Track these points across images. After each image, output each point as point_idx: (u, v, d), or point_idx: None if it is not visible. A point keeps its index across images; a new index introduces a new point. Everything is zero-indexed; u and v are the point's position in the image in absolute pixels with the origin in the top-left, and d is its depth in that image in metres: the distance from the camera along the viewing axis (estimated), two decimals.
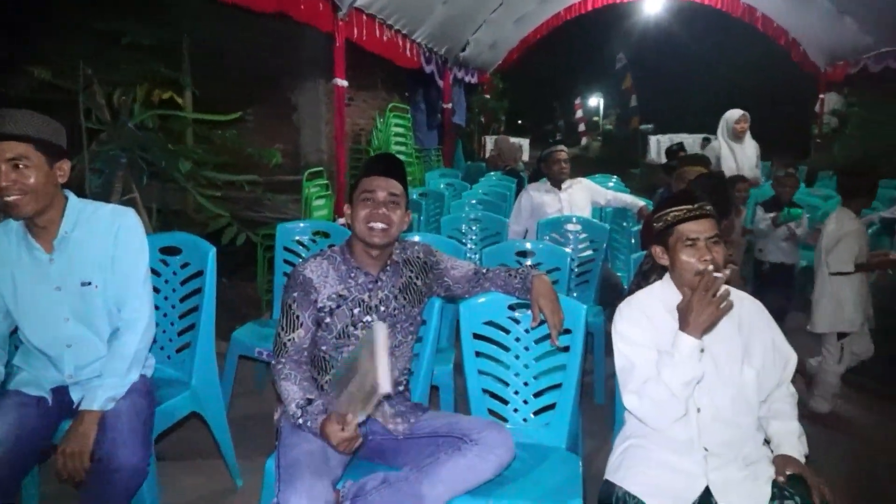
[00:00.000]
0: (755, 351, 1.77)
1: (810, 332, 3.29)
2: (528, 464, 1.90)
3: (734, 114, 5.12)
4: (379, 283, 1.96)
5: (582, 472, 1.91)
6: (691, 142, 12.05)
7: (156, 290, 2.27)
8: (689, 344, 1.63)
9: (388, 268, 1.99)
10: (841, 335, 3.20)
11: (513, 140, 9.50)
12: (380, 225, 1.88)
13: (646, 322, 1.79)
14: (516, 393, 2.12)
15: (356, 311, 1.92)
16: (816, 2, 8.28)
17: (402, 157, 7.35)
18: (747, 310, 1.84)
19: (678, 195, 1.90)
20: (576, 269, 3.66)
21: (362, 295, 1.94)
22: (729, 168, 4.92)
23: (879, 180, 6.44)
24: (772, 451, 1.75)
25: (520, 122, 26.92)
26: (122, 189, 3.78)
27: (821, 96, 10.27)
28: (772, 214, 4.10)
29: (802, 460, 1.69)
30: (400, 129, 7.50)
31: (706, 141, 12.16)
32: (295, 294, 1.91)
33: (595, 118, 27.85)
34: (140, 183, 3.87)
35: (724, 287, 1.66)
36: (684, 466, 1.68)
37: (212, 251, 2.28)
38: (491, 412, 2.13)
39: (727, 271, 2.72)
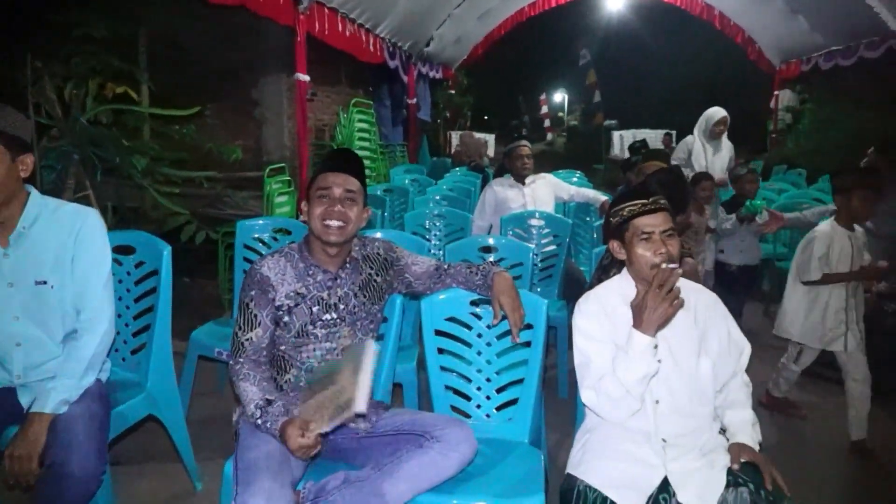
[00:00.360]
0: (711, 342, 1.81)
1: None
2: (490, 459, 1.90)
3: (716, 114, 4.91)
4: (338, 281, 1.93)
5: (546, 466, 1.92)
6: (653, 137, 12.29)
7: None
8: (642, 341, 1.65)
9: (347, 265, 1.96)
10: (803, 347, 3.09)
11: (478, 135, 9.54)
12: (336, 223, 1.85)
13: (604, 317, 1.81)
14: (479, 389, 2.12)
15: (315, 309, 1.89)
16: (771, 1, 8.48)
17: (365, 153, 7.33)
18: (703, 302, 1.87)
19: (633, 190, 1.92)
20: (539, 264, 3.68)
21: (321, 293, 1.91)
22: (700, 165, 4.84)
23: (824, 175, 6.68)
24: (727, 440, 1.78)
25: (486, 117, 27.00)
26: (74, 186, 3.65)
27: (775, 93, 10.54)
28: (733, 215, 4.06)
29: (756, 447, 1.73)
30: (363, 125, 7.43)
31: (668, 136, 12.43)
32: (252, 293, 1.87)
33: (560, 114, 28.11)
34: (94, 180, 3.75)
35: (677, 285, 1.67)
36: (643, 458, 1.70)
37: (167, 250, 2.22)
38: (454, 409, 2.12)
39: (688, 264, 2.78)
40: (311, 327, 1.89)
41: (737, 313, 3.95)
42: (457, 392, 2.14)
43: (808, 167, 8.04)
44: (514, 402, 2.09)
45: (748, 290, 4.26)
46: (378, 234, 2.89)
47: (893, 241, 3.34)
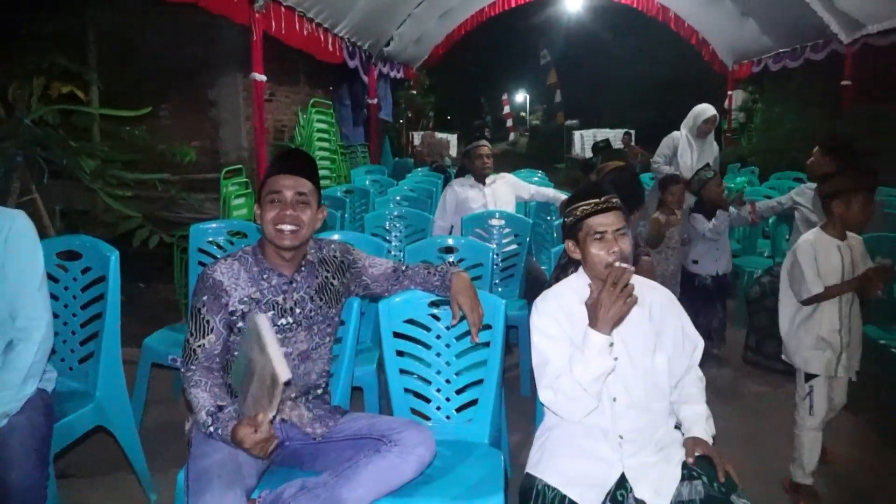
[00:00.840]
0: (666, 338, 1.83)
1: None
2: (450, 461, 1.89)
3: (705, 111, 4.66)
4: (294, 285, 1.90)
5: (507, 466, 1.92)
6: (613, 136, 12.47)
7: (54, 297, 2.12)
8: (598, 340, 1.66)
9: (302, 268, 1.93)
10: (809, 376, 2.56)
11: (440, 135, 9.54)
12: (288, 227, 1.81)
13: (561, 315, 1.82)
14: (438, 391, 2.11)
15: (270, 314, 1.85)
16: (722, 4, 8.72)
17: (325, 154, 7.26)
18: (658, 299, 1.89)
19: (586, 189, 1.92)
20: (500, 264, 3.70)
21: (276, 297, 1.87)
22: (685, 164, 4.68)
23: (775, 172, 6.91)
24: (682, 434, 1.81)
25: (449, 117, 27.07)
26: (20, 189, 3.52)
27: (729, 93, 10.84)
28: (715, 218, 3.79)
29: (710, 441, 1.76)
30: (323, 125, 7.35)
31: (627, 135, 12.65)
32: (204, 298, 1.82)
33: (522, 114, 28.35)
34: (40, 183, 3.62)
35: (631, 281, 1.68)
36: (601, 454, 1.72)
37: (114, 255, 2.14)
38: (413, 411, 2.10)
39: (643, 261, 2.82)
40: None
41: (718, 332, 3.88)
42: (417, 395, 2.13)
43: (760, 165, 8.28)
44: (473, 402, 2.08)
45: (724, 301, 3.98)
46: (336, 236, 2.85)
47: None
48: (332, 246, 2.05)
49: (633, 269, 1.71)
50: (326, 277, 1.97)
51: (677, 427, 1.85)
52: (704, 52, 10.58)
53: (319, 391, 1.98)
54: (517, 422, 2.70)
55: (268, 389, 1.50)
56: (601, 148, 5.35)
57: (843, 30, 7.16)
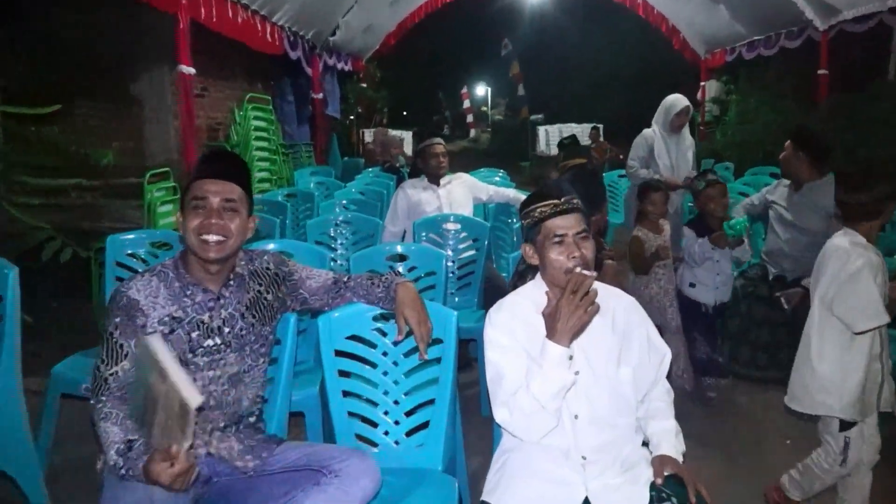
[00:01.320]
0: (631, 349, 1.85)
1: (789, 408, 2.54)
2: (399, 492, 1.87)
3: (677, 103, 4.53)
4: (221, 301, 1.86)
5: (463, 495, 1.91)
6: (580, 131, 12.68)
7: None
8: (556, 353, 1.66)
9: (231, 282, 1.89)
10: (846, 424, 2.36)
11: (393, 133, 9.53)
12: (214, 237, 1.77)
13: (517, 327, 1.82)
14: (386, 413, 2.09)
15: (195, 335, 1.81)
16: None
17: (263, 154, 7.17)
18: (622, 306, 1.91)
19: (544, 189, 1.93)
20: (456, 272, 3.70)
21: (201, 315, 1.82)
22: (664, 165, 4.57)
23: (751, 167, 7.11)
24: (650, 452, 1.83)
25: (404, 113, 27.10)
26: None
27: (702, 84, 11.11)
28: (701, 238, 3.45)
29: (680, 458, 1.78)
30: (261, 123, 7.26)
31: (595, 130, 12.87)
32: (117, 319, 1.76)
33: (483, 108, 28.57)
34: None
35: (593, 288, 1.69)
36: (563, 477, 1.72)
37: (12, 272, 2.06)
38: (359, 437, 2.08)
39: (608, 266, 2.85)
40: (190, 356, 1.81)
41: (721, 368, 3.60)
42: (364, 419, 2.10)
43: (734, 160, 8.50)
44: (425, 425, 2.07)
45: (718, 330, 3.75)
46: (271, 246, 2.81)
47: (811, 233, 3.55)
48: (265, 257, 2.02)
49: (594, 275, 1.73)
50: (259, 292, 1.94)
51: (645, 444, 1.87)
52: (675, 41, 10.82)
53: (252, 419, 1.93)
54: (477, 445, 2.69)
55: (178, 418, 1.45)
56: (566, 145, 5.40)
57: (818, 16, 7.40)
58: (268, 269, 1.99)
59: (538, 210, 1.83)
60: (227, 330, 1.85)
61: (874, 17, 6.58)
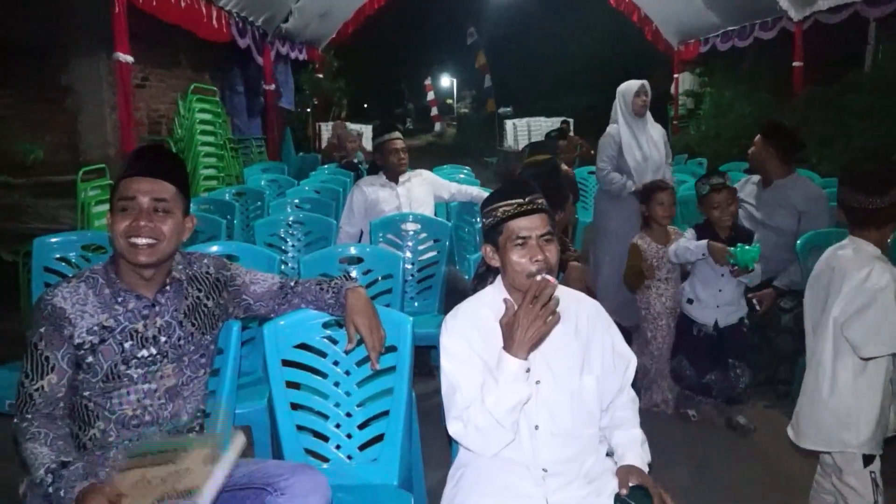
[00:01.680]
0: (595, 356, 1.86)
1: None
2: None
3: (632, 85, 4.46)
4: (156, 308, 1.83)
5: None
6: (549, 125, 12.79)
7: None
8: (513, 366, 1.66)
9: (167, 288, 1.86)
10: (869, 458, 2.21)
11: (352, 127, 9.48)
12: (144, 240, 1.74)
13: (474, 335, 1.82)
14: (338, 426, 2.08)
15: (127, 345, 1.78)
16: None
17: (209, 149, 7.08)
18: (585, 312, 1.93)
19: (508, 188, 1.93)
20: (416, 274, 3.71)
21: (135, 324, 1.80)
22: (634, 159, 4.45)
23: (726, 163, 7.26)
24: (615, 463, 1.85)
25: (365, 105, 27.00)
26: None
27: (676, 76, 11.31)
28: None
29: (645, 468, 1.81)
30: (207, 116, 7.17)
31: (565, 124, 12.99)
32: (42, 330, 1.73)
33: (448, 101, 28.62)
34: None
35: (554, 296, 1.68)
36: (522, 491, 1.74)
37: None
38: (309, 452, 2.07)
39: (573, 269, 2.88)
40: (123, 367, 1.78)
41: (734, 396, 3.37)
42: (315, 433, 2.10)
43: (709, 155, 8.68)
44: (379, 438, 2.07)
45: (742, 356, 3.38)
46: (214, 248, 2.79)
47: (782, 232, 3.65)
48: (205, 261, 1.99)
49: (556, 282, 1.73)
50: (198, 298, 1.92)
51: (609, 454, 1.90)
52: (648, 31, 10.99)
53: (192, 434, 1.91)
54: (438, 458, 2.69)
55: (169, 492, 1.46)
56: (555, 137, 5.41)
57: (793, 6, 7.61)
58: (208, 273, 1.97)
59: (501, 209, 1.83)
60: (163, 339, 1.83)
61: (849, 7, 6.79)
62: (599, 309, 1.97)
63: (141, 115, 6.79)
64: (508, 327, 1.69)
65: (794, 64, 8.00)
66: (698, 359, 3.39)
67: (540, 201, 1.84)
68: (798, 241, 3.38)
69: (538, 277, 1.71)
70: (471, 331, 1.83)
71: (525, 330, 1.65)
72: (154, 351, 1.81)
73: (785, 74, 8.27)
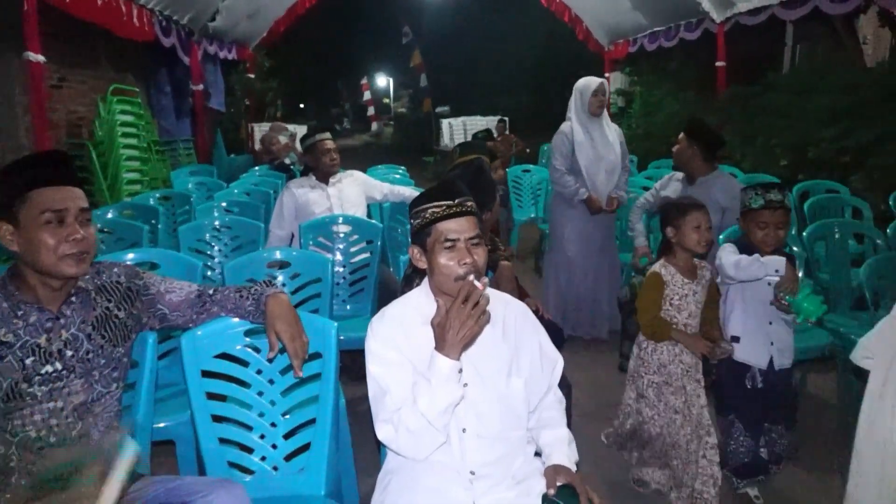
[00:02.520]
0: (523, 359, 1.85)
1: None
2: None
3: (590, 83, 4.32)
4: (61, 321, 1.73)
5: None
6: (485, 124, 12.85)
7: None
8: (445, 366, 1.65)
9: (72, 299, 1.76)
10: None
11: (289, 128, 9.28)
12: (78, 251, 1.69)
13: (402, 338, 1.79)
14: (262, 437, 2.02)
15: (29, 361, 1.67)
16: None
17: (132, 152, 6.84)
18: (512, 313, 1.92)
19: (438, 189, 1.90)
20: (348, 277, 3.65)
21: (36, 338, 1.69)
22: (587, 158, 4.37)
23: (655, 160, 7.45)
24: (543, 463, 1.85)
25: (301, 106, 26.63)
26: None
27: (606, 75, 11.53)
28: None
29: (573, 467, 1.81)
30: (129, 118, 6.91)
31: (502, 123, 13.09)
32: None
33: (385, 100, 28.49)
34: None
35: (484, 294, 1.67)
36: (450, 495, 1.71)
37: None
38: (232, 465, 2.00)
39: (503, 268, 2.88)
40: (25, 385, 1.67)
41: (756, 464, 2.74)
42: (242, 446, 2.03)
43: (640, 152, 8.88)
44: (306, 447, 2.02)
45: (789, 411, 2.81)
46: (130, 256, 2.67)
47: (716, 232, 3.74)
48: (116, 270, 1.90)
49: (486, 283, 1.71)
50: (108, 308, 1.82)
51: (538, 454, 1.89)
52: (579, 31, 11.16)
53: (84, 449, 1.81)
54: (373, 464, 2.65)
55: None
56: (482, 139, 5.42)
57: (714, 8, 7.86)
58: (118, 282, 1.87)
59: (429, 211, 1.80)
60: (69, 353, 1.73)
61: (767, 9, 7.04)
62: (526, 310, 1.97)
63: (58, 118, 6.50)
64: (440, 328, 1.67)
65: (718, 64, 8.26)
66: (753, 419, 2.69)
67: (469, 204, 1.83)
68: (720, 237, 3.47)
69: (469, 279, 1.69)
70: (398, 334, 1.80)
71: (456, 331, 1.63)
72: (59, 366, 1.71)
73: (709, 74, 8.53)
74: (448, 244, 1.77)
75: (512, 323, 1.88)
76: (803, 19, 7.08)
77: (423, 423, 1.66)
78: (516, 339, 1.87)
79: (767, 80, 7.53)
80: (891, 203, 4.80)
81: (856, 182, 5.51)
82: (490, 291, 1.86)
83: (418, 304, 1.86)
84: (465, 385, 1.72)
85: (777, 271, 2.56)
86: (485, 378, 1.79)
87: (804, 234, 3.75)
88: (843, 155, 5.84)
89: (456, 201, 1.80)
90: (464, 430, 1.76)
